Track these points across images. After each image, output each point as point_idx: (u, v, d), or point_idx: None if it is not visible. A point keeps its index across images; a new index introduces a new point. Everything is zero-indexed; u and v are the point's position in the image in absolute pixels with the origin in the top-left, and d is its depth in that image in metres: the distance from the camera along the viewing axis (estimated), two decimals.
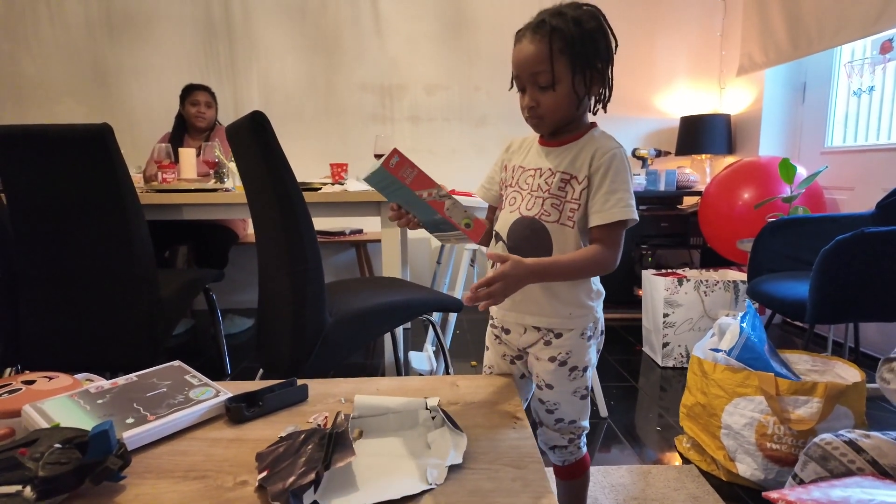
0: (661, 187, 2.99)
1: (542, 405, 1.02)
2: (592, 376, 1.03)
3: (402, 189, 0.79)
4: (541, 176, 0.93)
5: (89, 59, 3.20)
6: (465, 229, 0.81)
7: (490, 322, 1.08)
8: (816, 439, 1.12)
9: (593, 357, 1.00)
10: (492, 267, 1.00)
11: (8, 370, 1.68)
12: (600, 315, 0.99)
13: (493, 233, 1.00)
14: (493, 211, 1.07)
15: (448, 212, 0.79)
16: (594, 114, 0.96)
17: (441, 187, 0.79)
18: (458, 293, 2.09)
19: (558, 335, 0.95)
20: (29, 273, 1.52)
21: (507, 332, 1.02)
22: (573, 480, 1.09)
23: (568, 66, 0.86)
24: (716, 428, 1.45)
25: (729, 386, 1.43)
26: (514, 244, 0.94)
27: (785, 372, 1.44)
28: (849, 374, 1.48)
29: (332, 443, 0.67)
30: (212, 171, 2.20)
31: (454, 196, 0.81)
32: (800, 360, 1.59)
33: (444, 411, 0.77)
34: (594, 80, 0.89)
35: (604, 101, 0.94)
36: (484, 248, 2.13)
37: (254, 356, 2.46)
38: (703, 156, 3.24)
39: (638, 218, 0.90)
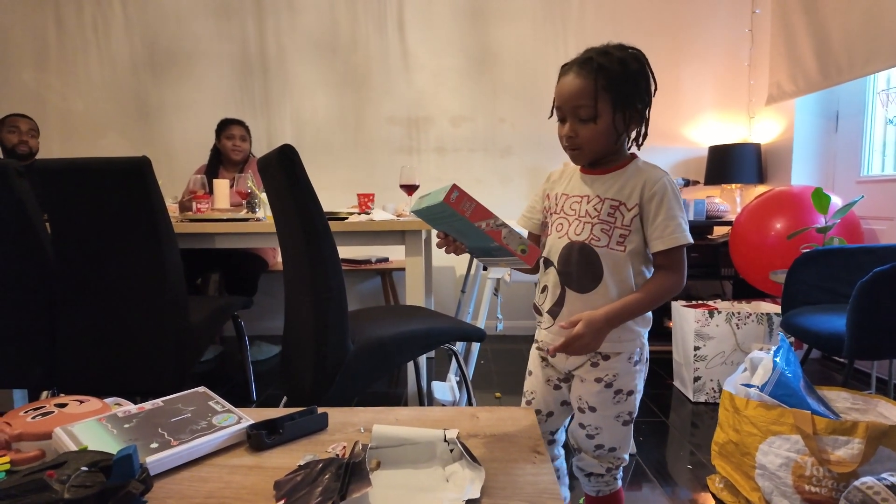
0: (691, 217, 2.94)
1: (583, 430, 1.03)
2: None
3: (459, 221, 0.82)
4: (588, 202, 0.97)
5: (133, 95, 3.39)
6: (521, 255, 0.83)
7: (535, 345, 1.11)
8: (857, 483, 1.06)
9: (640, 384, 1.01)
10: (541, 291, 1.04)
11: (44, 393, 1.74)
12: (646, 342, 1.01)
13: (543, 259, 1.03)
14: (533, 238, 1.11)
15: (505, 240, 0.82)
16: (629, 149, 1.00)
17: (496, 217, 0.82)
18: (482, 322, 2.08)
19: (606, 357, 0.98)
20: (67, 298, 1.59)
21: (554, 354, 1.02)
22: None
23: (609, 103, 0.91)
24: (749, 468, 1.39)
25: (763, 423, 1.37)
26: (564, 269, 0.98)
27: (823, 410, 1.38)
28: (893, 413, 1.40)
29: (349, 473, 0.67)
30: (244, 202, 2.28)
31: (509, 224, 0.83)
32: (839, 398, 1.52)
33: (462, 444, 0.76)
34: (633, 119, 0.94)
35: (640, 140, 0.98)
36: (515, 276, 2.12)
37: (278, 383, 2.49)
38: (733, 185, 3.19)
39: (693, 240, 0.94)
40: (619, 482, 1.06)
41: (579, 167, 1.02)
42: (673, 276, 0.94)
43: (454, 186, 0.79)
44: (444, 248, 0.93)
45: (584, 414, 1.01)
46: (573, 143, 0.94)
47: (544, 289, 1.02)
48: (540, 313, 1.05)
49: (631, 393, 0.99)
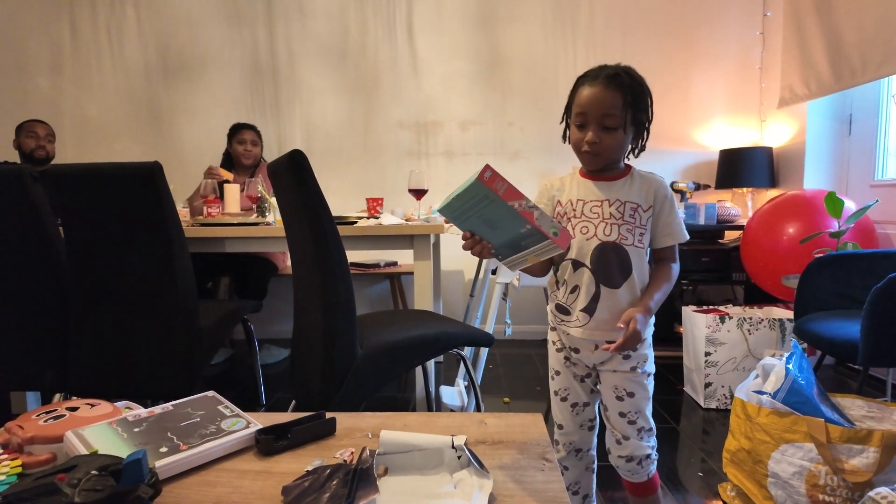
0: (701, 221, 2.92)
1: (623, 418, 1.11)
2: None
3: (490, 205, 0.79)
4: (610, 205, 1.06)
5: (146, 101, 3.43)
6: (553, 238, 0.80)
7: (554, 347, 1.19)
8: (872, 493, 1.05)
9: None
10: (571, 291, 1.10)
11: (57, 395, 1.75)
12: None
13: (570, 262, 1.09)
14: None
15: (538, 221, 0.79)
16: (627, 160, 1.12)
17: (528, 199, 0.80)
18: (490, 327, 2.08)
19: (634, 348, 1.07)
20: (79, 302, 1.60)
21: (577, 350, 1.14)
22: (654, 495, 1.16)
23: (631, 117, 1.02)
24: (762, 476, 1.37)
25: (775, 431, 1.35)
26: (597, 267, 1.06)
27: (837, 418, 1.36)
28: None
29: (357, 479, 0.67)
30: (254, 206, 2.29)
31: (539, 208, 0.80)
32: (854, 406, 1.50)
33: (470, 450, 0.76)
34: (639, 134, 1.06)
35: (637, 153, 1.11)
36: (524, 280, 2.12)
37: (288, 387, 2.49)
38: (745, 189, 3.16)
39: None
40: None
41: (580, 175, 1.12)
42: (677, 265, 1.11)
43: (487, 166, 0.77)
44: (470, 250, 0.92)
45: (622, 402, 1.10)
46: (595, 149, 1.02)
47: (575, 289, 1.09)
48: (567, 312, 1.11)
49: (653, 373, 1.13)
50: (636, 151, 1.09)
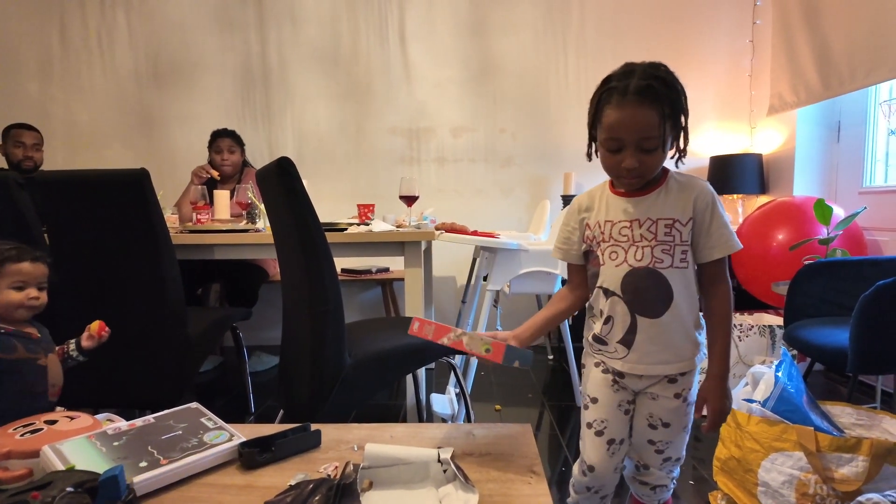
0: None
1: (653, 445, 1.03)
2: None
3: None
4: (640, 226, 0.94)
5: (137, 107, 3.41)
6: (485, 355, 0.85)
7: (598, 368, 1.05)
8: (861, 498, 1.05)
9: None
10: (605, 322, 0.99)
11: None
12: None
13: (601, 290, 0.99)
14: (576, 270, 1.07)
15: (468, 346, 0.86)
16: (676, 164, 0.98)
17: (455, 330, 0.87)
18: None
19: (682, 373, 0.99)
20: (66, 310, 1.58)
21: (623, 375, 1.01)
22: None
23: (671, 129, 0.90)
24: (752, 485, 1.37)
25: (765, 440, 1.35)
26: (631, 297, 0.95)
27: (826, 426, 1.36)
28: None
29: (340, 494, 0.66)
30: (244, 212, 2.28)
31: (468, 332, 0.88)
32: (843, 413, 1.50)
33: (456, 464, 0.75)
34: (679, 137, 0.93)
35: (682, 156, 0.96)
36: (514, 288, 2.10)
37: (276, 395, 2.47)
38: (735, 196, 3.18)
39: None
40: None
41: (609, 191, 1.00)
42: (727, 284, 0.97)
43: (413, 319, 0.89)
44: None
45: (655, 430, 1.01)
46: (636, 173, 0.91)
47: (608, 319, 0.98)
48: (604, 343, 1.01)
49: (693, 402, 1.02)
50: (679, 156, 0.95)
